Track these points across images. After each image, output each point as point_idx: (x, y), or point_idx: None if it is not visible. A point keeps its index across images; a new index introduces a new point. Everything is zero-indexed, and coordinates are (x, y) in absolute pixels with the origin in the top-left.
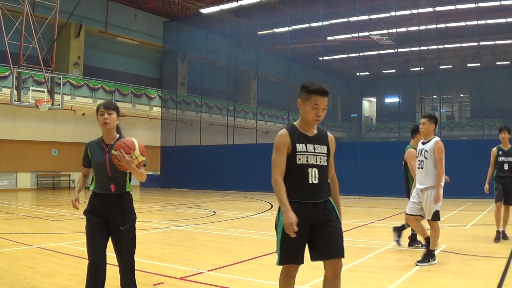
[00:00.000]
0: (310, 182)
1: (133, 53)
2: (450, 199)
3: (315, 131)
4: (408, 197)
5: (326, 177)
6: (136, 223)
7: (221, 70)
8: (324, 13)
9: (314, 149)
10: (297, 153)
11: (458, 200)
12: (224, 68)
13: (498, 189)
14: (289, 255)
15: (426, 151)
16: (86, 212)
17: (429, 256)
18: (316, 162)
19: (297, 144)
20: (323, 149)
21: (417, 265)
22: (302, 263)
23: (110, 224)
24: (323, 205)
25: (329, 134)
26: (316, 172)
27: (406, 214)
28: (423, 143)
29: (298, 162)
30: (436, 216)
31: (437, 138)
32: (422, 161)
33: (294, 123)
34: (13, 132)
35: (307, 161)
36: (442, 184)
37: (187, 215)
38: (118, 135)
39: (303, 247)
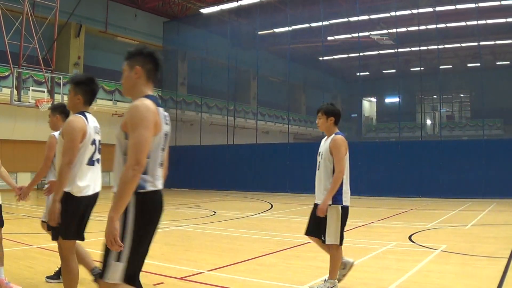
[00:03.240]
0: None
1: None
2: (450, 199)
3: None
4: None
5: None
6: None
7: (221, 70)
8: (324, 13)
9: None
10: None
11: (458, 200)
12: (224, 68)
13: None
14: None
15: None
16: None
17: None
18: None
19: None
20: None
21: (47, 281)
22: None
23: None
24: None
25: None
26: None
27: (42, 221)
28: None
29: None
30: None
31: None
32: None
33: None
34: (13, 132)
35: None
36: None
37: (187, 215)
38: None
39: None
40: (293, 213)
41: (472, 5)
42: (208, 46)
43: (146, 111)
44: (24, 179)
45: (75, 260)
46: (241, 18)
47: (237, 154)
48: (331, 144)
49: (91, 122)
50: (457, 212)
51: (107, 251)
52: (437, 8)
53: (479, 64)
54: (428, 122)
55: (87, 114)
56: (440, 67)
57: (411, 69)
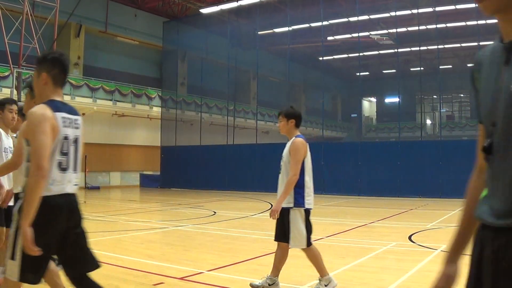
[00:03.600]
0: None
1: (133, 53)
2: (450, 199)
3: None
4: None
5: None
6: (136, 223)
7: (221, 70)
8: (324, 13)
9: None
10: None
11: (458, 200)
12: (224, 68)
13: None
14: None
15: None
16: None
17: None
18: None
19: None
20: None
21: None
22: None
23: None
24: None
25: None
26: None
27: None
28: None
29: None
30: None
31: None
32: None
33: None
34: None
35: None
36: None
37: (187, 215)
38: None
39: None
40: None
41: (472, 5)
42: (208, 46)
43: (41, 116)
44: None
45: None
46: (241, 18)
47: (237, 154)
48: (290, 147)
49: None
50: (457, 212)
51: (8, 250)
52: (437, 8)
53: None
54: (428, 122)
55: None
56: (440, 67)
57: (411, 69)
